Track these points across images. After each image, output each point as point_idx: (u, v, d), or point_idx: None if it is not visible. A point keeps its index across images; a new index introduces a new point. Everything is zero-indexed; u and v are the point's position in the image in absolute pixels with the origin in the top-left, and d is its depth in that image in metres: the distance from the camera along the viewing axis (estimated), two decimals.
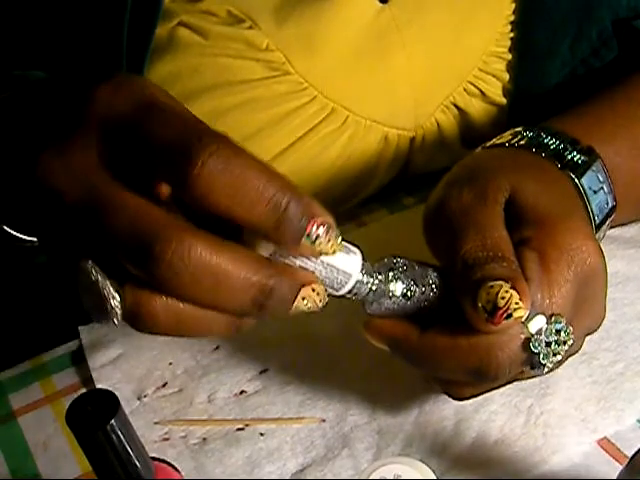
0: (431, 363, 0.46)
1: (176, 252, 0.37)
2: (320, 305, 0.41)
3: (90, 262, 0.39)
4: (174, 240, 0.37)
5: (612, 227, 0.57)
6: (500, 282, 0.43)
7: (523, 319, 0.44)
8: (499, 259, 0.45)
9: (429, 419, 0.53)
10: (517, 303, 0.43)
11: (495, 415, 0.53)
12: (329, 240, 0.40)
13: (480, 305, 0.43)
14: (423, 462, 0.41)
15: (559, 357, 0.45)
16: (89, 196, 0.39)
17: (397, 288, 0.45)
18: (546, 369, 0.45)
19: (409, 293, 0.45)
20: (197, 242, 0.37)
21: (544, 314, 0.44)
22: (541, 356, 0.44)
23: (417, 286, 0.45)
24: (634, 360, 0.55)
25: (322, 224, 0.39)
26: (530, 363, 0.45)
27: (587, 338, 0.48)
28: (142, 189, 0.39)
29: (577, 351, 0.47)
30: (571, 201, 0.51)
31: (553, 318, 0.45)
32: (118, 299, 0.39)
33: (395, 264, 0.45)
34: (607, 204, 0.54)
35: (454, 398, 0.50)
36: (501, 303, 0.43)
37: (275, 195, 0.38)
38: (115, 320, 0.39)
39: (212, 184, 0.37)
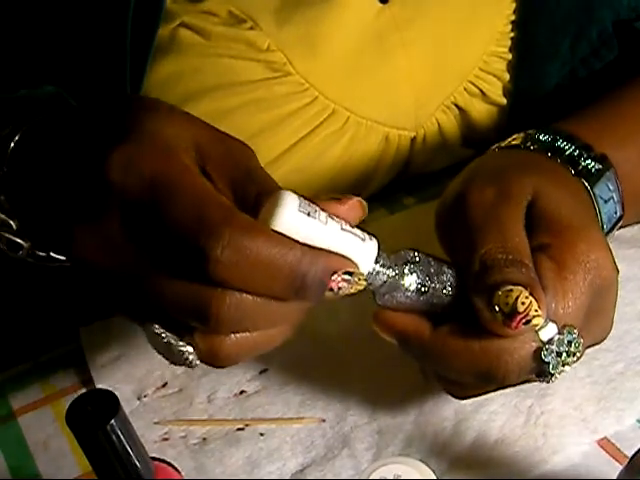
0: (440, 362, 0.46)
1: (231, 307, 0.39)
2: (358, 287, 0.42)
3: (156, 327, 0.41)
4: (226, 299, 0.39)
5: None
6: (520, 287, 0.43)
7: (537, 328, 0.43)
8: (518, 264, 0.44)
9: (429, 419, 0.53)
10: (536, 310, 0.43)
11: (495, 415, 0.53)
12: (352, 286, 0.41)
13: (497, 308, 0.43)
14: (423, 462, 0.41)
15: (567, 368, 0.45)
16: (131, 278, 0.41)
17: (411, 282, 0.44)
18: (553, 379, 0.45)
19: (423, 289, 0.45)
20: (243, 295, 0.40)
21: (556, 324, 0.44)
22: (550, 366, 0.44)
23: (432, 282, 0.45)
24: (634, 360, 0.55)
25: (342, 276, 0.40)
26: (538, 372, 0.45)
27: None
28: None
29: (578, 360, 0.47)
30: (588, 210, 0.51)
31: (566, 329, 0.44)
32: (192, 350, 0.41)
33: (412, 258, 0.45)
34: (616, 213, 0.54)
35: (455, 397, 0.50)
36: (521, 308, 0.42)
37: (290, 271, 0.39)
38: (195, 365, 0.42)
39: (229, 274, 0.39)
